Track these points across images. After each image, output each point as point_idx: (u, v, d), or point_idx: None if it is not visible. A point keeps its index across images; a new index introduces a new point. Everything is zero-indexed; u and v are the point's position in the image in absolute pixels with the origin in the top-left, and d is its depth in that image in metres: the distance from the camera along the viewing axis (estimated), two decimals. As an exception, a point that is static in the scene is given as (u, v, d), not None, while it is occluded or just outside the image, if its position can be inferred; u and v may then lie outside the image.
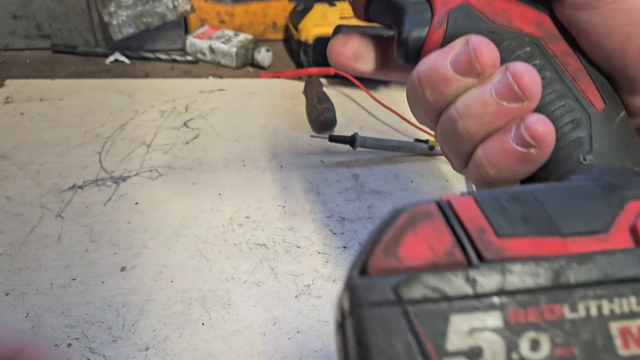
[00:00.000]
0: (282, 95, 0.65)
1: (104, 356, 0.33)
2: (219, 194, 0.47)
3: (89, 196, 0.46)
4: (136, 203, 0.45)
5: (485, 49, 0.21)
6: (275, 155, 0.53)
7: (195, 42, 0.73)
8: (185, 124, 0.57)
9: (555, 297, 0.15)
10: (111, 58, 0.72)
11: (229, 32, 0.75)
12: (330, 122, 0.57)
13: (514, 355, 0.15)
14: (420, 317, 0.15)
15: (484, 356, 0.15)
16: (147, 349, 0.33)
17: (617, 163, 0.20)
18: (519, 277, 0.16)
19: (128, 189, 0.47)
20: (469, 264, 0.16)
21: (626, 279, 0.16)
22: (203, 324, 0.35)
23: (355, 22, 0.86)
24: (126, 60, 0.72)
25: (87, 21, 0.72)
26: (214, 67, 0.73)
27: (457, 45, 0.22)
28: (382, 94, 0.67)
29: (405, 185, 0.50)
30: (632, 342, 0.15)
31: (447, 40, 0.23)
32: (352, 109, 0.63)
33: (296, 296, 0.38)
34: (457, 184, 0.51)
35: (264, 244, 0.42)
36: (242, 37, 0.74)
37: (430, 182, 0.51)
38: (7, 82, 0.64)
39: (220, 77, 0.70)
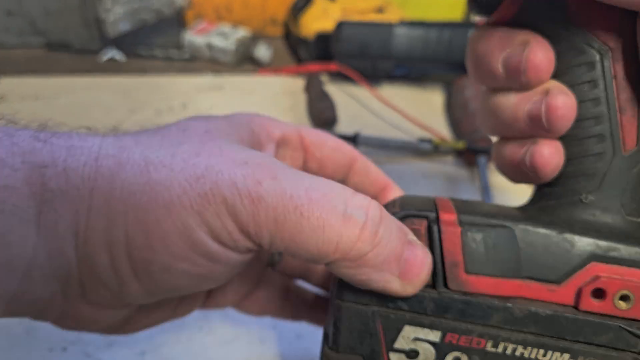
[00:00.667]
0: (282, 93, 0.64)
1: (98, 363, 0.32)
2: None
3: (84, 197, 0.45)
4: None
5: (539, 61, 0.20)
6: (275, 155, 0.52)
7: (193, 38, 0.72)
8: (182, 123, 0.56)
9: (485, 333, 0.20)
10: (107, 55, 0.71)
11: (227, 28, 0.74)
12: (332, 121, 0.56)
13: None
14: (383, 320, 0.20)
15: (418, 358, 0.20)
16: (143, 354, 0.33)
17: (615, 210, 0.21)
18: (467, 311, 0.20)
19: (124, 190, 0.46)
20: (434, 287, 0.20)
21: (545, 334, 0.20)
22: (201, 328, 0.35)
23: (356, 17, 0.85)
24: (122, 58, 0.71)
25: (82, 18, 0.71)
26: (212, 64, 0.72)
27: (517, 41, 0.21)
28: (385, 91, 0.66)
29: (409, 186, 0.49)
30: None
31: (520, 14, 0.22)
32: (354, 107, 0.62)
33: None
34: (461, 184, 0.50)
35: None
36: (241, 33, 0.73)
37: (434, 182, 0.50)
38: (1, 80, 0.63)
39: (219, 74, 0.69)
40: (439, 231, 0.20)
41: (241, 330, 0.35)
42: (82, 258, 0.19)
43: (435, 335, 0.20)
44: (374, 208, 0.19)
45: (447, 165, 0.53)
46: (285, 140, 0.26)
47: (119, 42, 0.72)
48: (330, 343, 0.21)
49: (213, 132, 0.21)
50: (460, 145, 0.50)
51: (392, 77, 0.69)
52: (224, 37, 0.71)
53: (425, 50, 0.62)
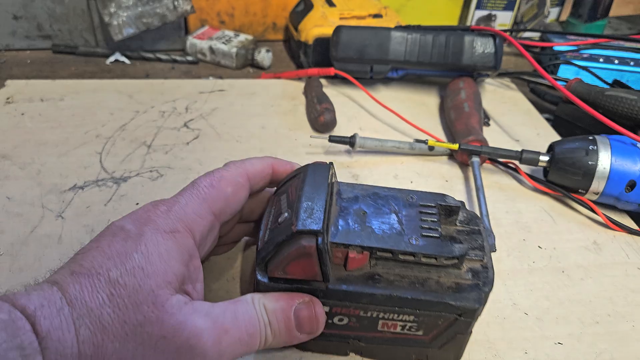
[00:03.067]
0: (282, 96, 0.65)
1: (105, 355, 0.33)
2: (219, 194, 0.47)
3: (90, 196, 0.46)
4: (137, 203, 0.45)
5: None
6: (275, 156, 0.53)
7: (196, 42, 0.73)
8: (185, 125, 0.58)
9: (358, 306, 0.30)
10: (111, 58, 0.73)
11: (229, 33, 0.75)
12: (330, 123, 0.57)
13: (329, 321, 0.31)
14: None
15: None
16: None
17: None
18: (346, 296, 0.29)
19: (128, 189, 0.47)
20: (323, 281, 0.29)
21: (398, 306, 0.29)
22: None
23: (354, 22, 0.86)
24: (126, 61, 0.73)
25: (87, 22, 0.73)
26: (214, 68, 0.73)
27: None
28: (382, 94, 0.67)
29: (405, 185, 0.51)
30: (386, 328, 0.31)
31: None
32: (351, 109, 0.63)
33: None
34: (456, 184, 0.51)
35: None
36: (242, 37, 0.74)
37: (429, 181, 0.51)
38: (8, 82, 0.64)
39: (221, 77, 0.70)
40: (328, 249, 0.28)
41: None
42: None
43: (326, 308, 0.30)
44: (269, 336, 0.29)
45: (442, 165, 0.54)
46: (202, 239, 0.31)
47: (124, 45, 0.73)
48: None
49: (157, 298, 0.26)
50: (455, 145, 0.51)
51: (389, 79, 0.70)
52: (226, 42, 0.73)
53: (421, 53, 0.63)
